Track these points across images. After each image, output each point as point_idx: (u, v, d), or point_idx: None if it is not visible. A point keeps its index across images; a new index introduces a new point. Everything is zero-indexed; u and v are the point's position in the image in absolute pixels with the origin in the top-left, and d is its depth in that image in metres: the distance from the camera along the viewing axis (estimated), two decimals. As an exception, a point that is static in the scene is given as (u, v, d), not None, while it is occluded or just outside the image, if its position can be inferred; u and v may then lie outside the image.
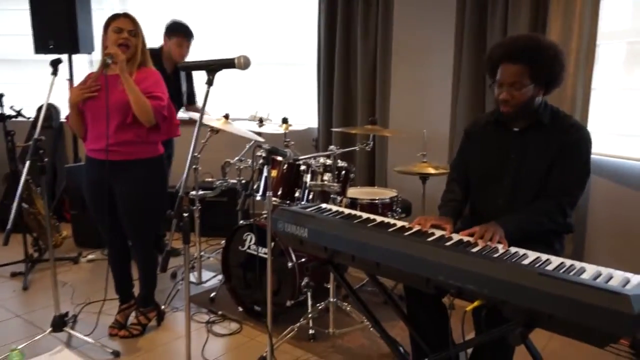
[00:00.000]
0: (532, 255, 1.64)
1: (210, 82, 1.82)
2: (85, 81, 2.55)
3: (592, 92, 2.91)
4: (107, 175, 2.52)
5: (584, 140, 1.94)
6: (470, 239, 1.76)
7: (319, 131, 4.42)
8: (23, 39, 4.41)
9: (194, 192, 3.11)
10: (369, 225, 1.95)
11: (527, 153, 2.00)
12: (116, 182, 2.59)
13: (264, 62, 4.53)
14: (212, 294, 3.13)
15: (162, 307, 2.92)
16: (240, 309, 2.94)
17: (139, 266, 2.75)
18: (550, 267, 1.53)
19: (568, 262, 1.58)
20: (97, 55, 2.81)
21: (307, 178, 2.77)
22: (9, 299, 3.20)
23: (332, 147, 2.61)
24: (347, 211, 2.14)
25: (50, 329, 2.57)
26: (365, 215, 2.09)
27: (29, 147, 2.40)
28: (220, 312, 2.96)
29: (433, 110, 3.89)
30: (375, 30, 3.96)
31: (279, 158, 2.72)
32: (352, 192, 3.23)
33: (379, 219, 2.04)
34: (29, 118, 4.09)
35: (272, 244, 2.67)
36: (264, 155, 2.15)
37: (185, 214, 1.89)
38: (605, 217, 3.08)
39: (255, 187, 3.00)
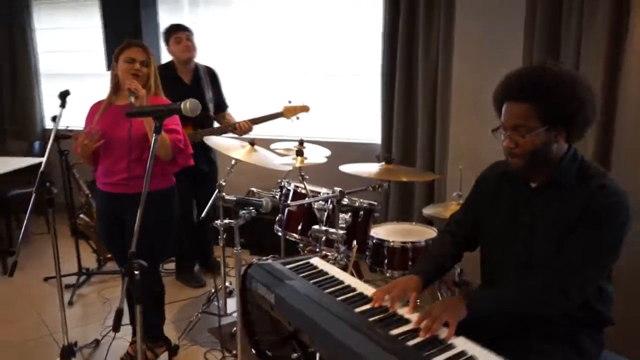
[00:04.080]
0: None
1: (157, 130, 1.63)
2: (88, 131, 2.42)
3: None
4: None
5: (616, 208, 1.45)
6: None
7: (382, 147, 4.07)
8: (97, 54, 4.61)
9: (218, 222, 2.97)
10: (339, 299, 1.64)
11: (541, 217, 1.56)
12: (127, 214, 2.52)
13: (330, 73, 4.30)
14: (234, 329, 2.97)
15: (177, 340, 2.84)
16: (253, 351, 2.74)
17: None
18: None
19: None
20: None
21: (324, 217, 2.49)
22: (52, 314, 3.33)
23: (337, 188, 2.30)
24: (331, 273, 1.86)
25: (58, 359, 2.59)
26: (348, 280, 1.78)
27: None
28: (234, 352, 2.80)
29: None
30: (436, 45, 3.54)
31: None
32: (387, 229, 2.88)
33: (360, 288, 1.72)
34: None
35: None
36: (232, 207, 1.92)
37: (137, 272, 1.74)
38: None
39: (277, 219, 2.80)
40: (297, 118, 3.41)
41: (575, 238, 1.47)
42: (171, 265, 3.90)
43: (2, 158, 4.67)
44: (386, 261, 2.64)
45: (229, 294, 3.39)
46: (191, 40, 3.43)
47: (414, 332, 1.43)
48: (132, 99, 2.25)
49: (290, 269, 1.89)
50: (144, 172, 2.36)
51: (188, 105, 1.62)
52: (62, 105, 2.43)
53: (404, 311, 1.55)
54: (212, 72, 3.63)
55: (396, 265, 2.64)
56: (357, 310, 1.57)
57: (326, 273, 1.85)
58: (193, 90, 3.37)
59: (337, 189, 2.30)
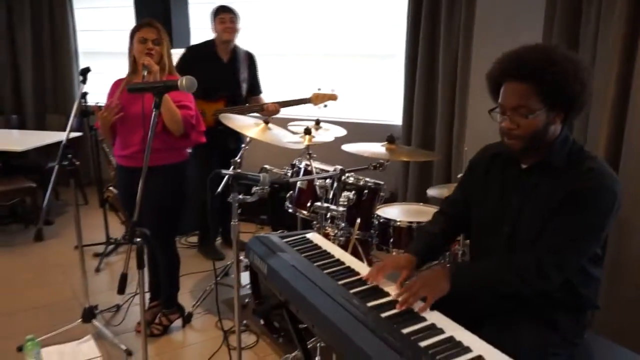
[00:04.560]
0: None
1: (157, 105, 1.71)
2: (108, 104, 2.54)
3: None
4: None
5: (601, 192, 1.44)
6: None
7: (403, 129, 4.06)
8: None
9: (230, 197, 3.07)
10: (325, 272, 1.70)
11: (530, 198, 1.56)
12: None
13: (356, 54, 4.32)
14: (246, 300, 3.09)
15: (192, 308, 2.97)
16: (262, 322, 2.85)
17: (161, 268, 2.80)
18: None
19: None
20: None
21: (326, 194, 2.54)
22: (79, 279, 3.53)
23: (337, 166, 2.34)
24: (324, 247, 1.91)
25: (80, 320, 2.77)
26: (338, 255, 1.83)
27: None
28: (244, 322, 2.91)
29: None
30: (457, 32, 3.50)
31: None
32: (398, 209, 2.91)
33: (348, 262, 1.77)
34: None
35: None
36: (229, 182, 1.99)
37: (138, 239, 1.85)
38: None
39: (288, 195, 2.88)
40: (325, 106, 3.45)
41: (558, 219, 1.47)
42: (194, 239, 4.06)
43: (41, 132, 4.93)
44: (392, 240, 2.67)
45: (245, 268, 3.51)
46: (234, 22, 3.53)
47: (390, 305, 1.47)
48: (145, 74, 2.35)
49: (286, 242, 1.96)
50: (157, 146, 2.49)
51: (184, 82, 1.69)
52: (83, 82, 2.56)
53: (389, 288, 1.59)
54: (251, 56, 3.75)
55: (402, 244, 2.66)
56: (341, 282, 1.63)
57: (319, 247, 1.91)
58: (228, 69, 3.53)
59: (339, 167, 2.35)
